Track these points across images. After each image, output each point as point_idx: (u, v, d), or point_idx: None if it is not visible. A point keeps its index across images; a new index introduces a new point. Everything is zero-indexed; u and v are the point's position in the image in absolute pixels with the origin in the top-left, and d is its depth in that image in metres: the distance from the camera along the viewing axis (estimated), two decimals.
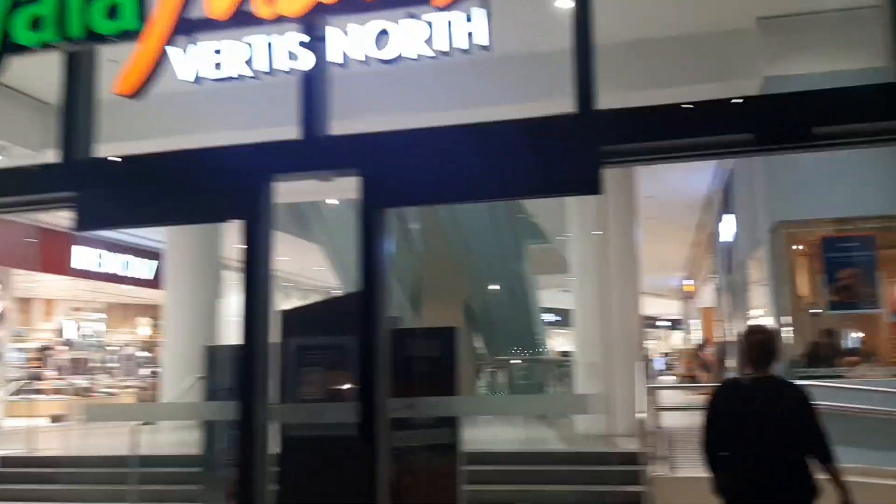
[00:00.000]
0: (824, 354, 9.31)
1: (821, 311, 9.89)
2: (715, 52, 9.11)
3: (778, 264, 9.51)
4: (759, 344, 3.88)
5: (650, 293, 42.18)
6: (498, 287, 20.93)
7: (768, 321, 9.68)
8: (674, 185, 16.09)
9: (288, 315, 5.08)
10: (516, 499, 7.70)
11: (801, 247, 10.27)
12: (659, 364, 34.35)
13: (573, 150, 3.93)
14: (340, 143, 4.18)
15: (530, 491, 8.08)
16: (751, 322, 5.55)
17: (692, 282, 29.32)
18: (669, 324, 47.13)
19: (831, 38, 8.57)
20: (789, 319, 9.61)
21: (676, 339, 43.48)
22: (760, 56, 8.93)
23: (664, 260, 28.48)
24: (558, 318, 31.69)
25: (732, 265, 14.14)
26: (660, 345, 46.11)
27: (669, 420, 11.51)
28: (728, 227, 14.28)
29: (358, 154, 4.11)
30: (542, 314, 24.25)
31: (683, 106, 3.76)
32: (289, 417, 4.85)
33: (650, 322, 49.11)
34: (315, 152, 4.19)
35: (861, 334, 11.26)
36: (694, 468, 8.17)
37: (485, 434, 11.34)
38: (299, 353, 4.96)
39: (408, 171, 4.03)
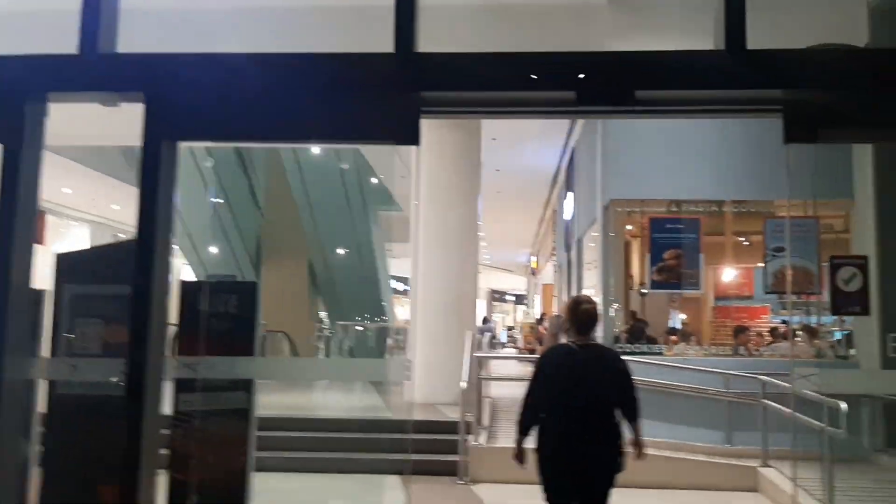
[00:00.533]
0: (636, 333, 9.58)
1: (647, 290, 10.20)
2: (563, 25, 9.03)
3: (609, 242, 9.68)
4: (586, 313, 4.21)
5: (500, 268, 43.17)
6: (343, 251, 20.49)
7: (598, 298, 9.84)
8: (524, 161, 16.23)
9: (64, 259, 4.46)
10: (316, 467, 7.43)
11: (631, 227, 10.53)
12: (503, 337, 35.26)
13: (389, 95, 3.59)
14: (123, 62, 3.63)
15: (322, 459, 7.85)
16: (577, 294, 5.73)
17: (537, 258, 30.10)
18: (515, 298, 48.50)
19: (680, 18, 8.66)
20: (617, 297, 9.87)
21: (521, 314, 44.79)
22: (609, 33, 8.93)
23: (514, 236, 29.03)
24: (407, 287, 31.68)
25: (571, 243, 14.41)
26: (506, 318, 47.34)
27: (498, 391, 11.63)
28: (569, 205, 14.53)
29: (142, 76, 3.58)
30: (390, 282, 24.05)
31: (506, 53, 3.50)
32: (57, 374, 4.27)
33: (499, 296, 50.39)
34: (93, 69, 3.62)
35: (684, 315, 11.74)
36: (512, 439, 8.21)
37: (310, 400, 11.00)
38: (75, 302, 4.36)
39: (200, 100, 3.55)
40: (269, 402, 11.18)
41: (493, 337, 29.83)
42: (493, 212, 22.99)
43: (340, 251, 20.44)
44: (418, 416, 9.46)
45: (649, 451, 4.14)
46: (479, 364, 8.13)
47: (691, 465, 7.81)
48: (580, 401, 4.08)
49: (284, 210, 19.52)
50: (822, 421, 5.99)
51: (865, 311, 4.84)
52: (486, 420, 9.10)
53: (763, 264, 9.15)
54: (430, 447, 8.22)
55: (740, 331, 9.72)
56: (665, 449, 8.33)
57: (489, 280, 46.60)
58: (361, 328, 20.57)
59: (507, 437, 8.69)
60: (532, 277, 34.56)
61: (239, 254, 20.32)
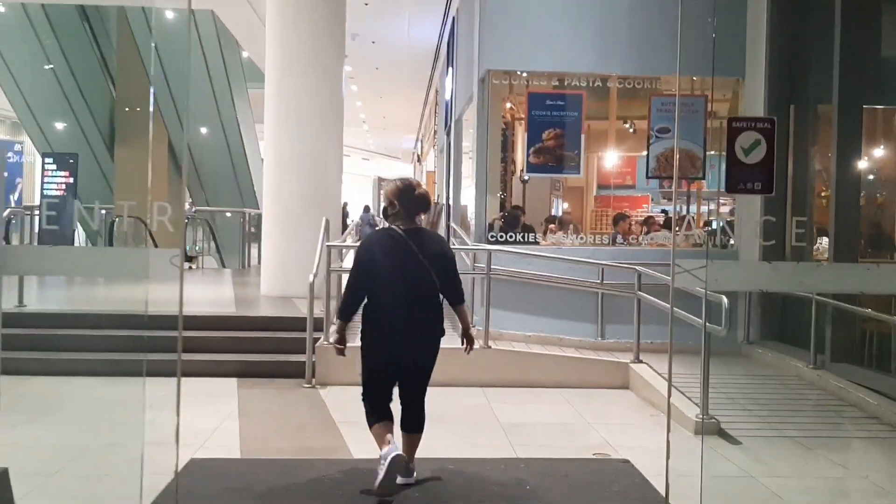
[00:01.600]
0: (512, 222, 8.81)
1: (528, 177, 9.40)
2: None
3: (487, 120, 8.72)
4: (421, 197, 4.17)
5: (386, 154, 41.89)
6: (206, 130, 18.78)
7: (472, 183, 8.99)
8: (403, 33, 14.86)
9: None
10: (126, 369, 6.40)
11: (511, 106, 9.60)
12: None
13: None
14: None
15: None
16: (405, 176, 5.19)
17: (422, 144, 28.98)
18: None
19: None
20: (494, 183, 9.01)
21: None
22: None
23: (399, 121, 27.69)
24: None
25: (450, 125, 13.40)
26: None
27: None
28: (448, 83, 13.43)
29: None
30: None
31: None
32: None
33: (384, 183, 49.24)
34: None
35: (566, 205, 11.06)
36: None
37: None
38: None
39: None
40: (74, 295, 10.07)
41: (373, 226, 29.00)
42: (374, 92, 21.59)
43: (203, 130, 18.73)
44: (267, 311, 8.50)
45: (515, 347, 4.46)
46: (330, 254, 7.16)
47: (561, 361, 7.23)
48: (404, 284, 4.07)
49: (139, 84, 17.55)
50: (699, 315, 5.40)
51: (769, 188, 4.12)
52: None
53: (646, 152, 8.44)
54: (276, 346, 7.32)
55: (620, 218, 9.10)
56: (535, 343, 7.75)
57: (377, 168, 45.37)
58: (229, 215, 19.05)
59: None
60: (418, 165, 33.54)
61: (89, 131, 18.31)
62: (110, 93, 18.61)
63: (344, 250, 8.43)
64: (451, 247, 5.32)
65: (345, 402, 6.17)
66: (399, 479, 4.14)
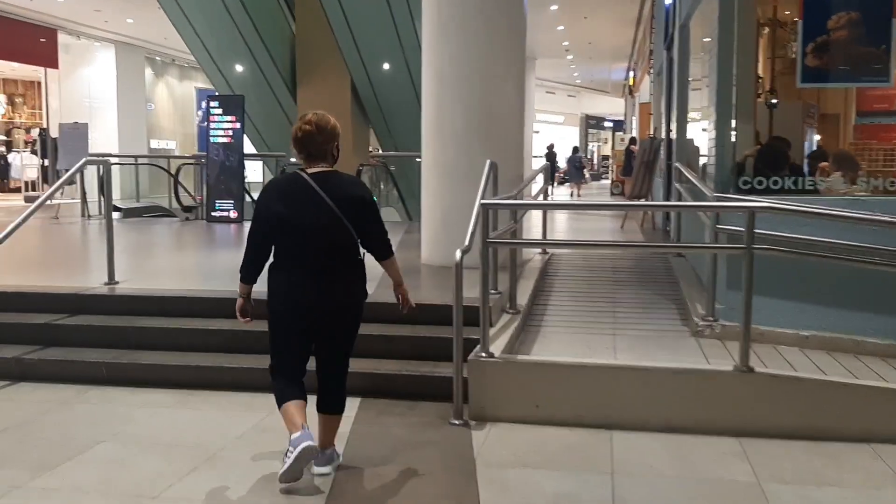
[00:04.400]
0: (776, 160, 5.90)
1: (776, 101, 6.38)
2: None
3: (731, 11, 5.80)
4: (302, 142, 3.53)
5: (591, 88, 38.35)
6: (388, 66, 16.83)
7: (709, 111, 6.18)
8: None
9: None
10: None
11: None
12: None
13: None
14: None
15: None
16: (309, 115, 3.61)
17: (634, 73, 25.47)
18: (614, 125, 43.71)
19: None
20: (737, 103, 6.06)
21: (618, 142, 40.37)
22: None
23: (607, 46, 24.36)
24: None
25: (671, 35, 10.35)
26: (603, 148, 42.97)
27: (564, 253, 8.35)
28: None
29: None
30: None
31: None
32: None
33: (595, 122, 45.67)
34: None
35: (818, 137, 7.85)
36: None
37: None
38: None
39: None
40: None
41: (580, 168, 26.04)
42: (577, 12, 18.61)
43: (385, 66, 16.80)
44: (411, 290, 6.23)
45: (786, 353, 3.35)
46: (490, 216, 4.73)
47: (875, 394, 4.35)
48: (310, 236, 3.49)
49: (316, 16, 15.91)
50: None
51: None
52: (520, 303, 5.84)
53: None
54: (417, 349, 5.07)
55: None
56: (815, 348, 4.92)
57: (582, 104, 41.95)
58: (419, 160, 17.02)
59: (551, 340, 5.42)
60: (630, 98, 29.94)
61: (269, 73, 17.03)
62: (290, 30, 17.20)
63: (520, 212, 5.98)
64: (684, 202, 4.00)
65: (515, 460, 3.83)
66: (315, 469, 3.61)
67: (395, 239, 9.95)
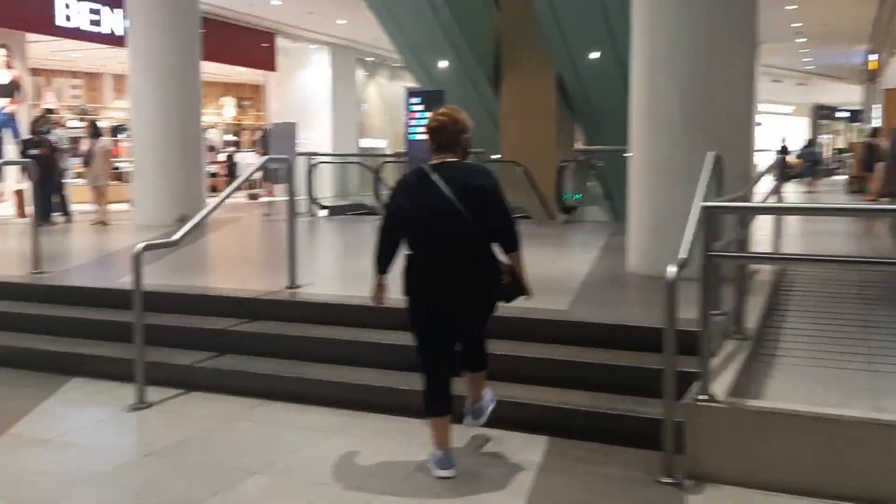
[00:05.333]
0: None
1: None
2: None
3: None
4: (434, 131, 3.59)
5: (824, 75, 34.69)
6: (598, 55, 15.84)
7: None
8: None
9: None
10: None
11: None
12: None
13: None
14: None
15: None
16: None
17: (878, 56, 22.47)
18: (849, 115, 39.35)
19: None
20: None
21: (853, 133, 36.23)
22: None
23: (844, 27, 21.67)
24: None
25: None
26: (836, 140, 38.88)
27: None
28: None
29: None
30: None
31: None
32: None
33: (827, 112, 41.43)
34: None
35: None
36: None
37: None
38: None
39: None
40: None
41: (816, 163, 23.42)
42: None
43: (594, 55, 15.83)
44: (612, 306, 5.31)
45: None
46: (711, 221, 3.79)
47: None
48: (432, 228, 3.49)
49: (520, 7, 15.29)
50: None
51: None
52: (748, 325, 4.80)
53: None
54: (618, 379, 4.24)
55: None
56: None
57: (812, 93, 38.15)
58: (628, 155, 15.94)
59: (789, 377, 4.36)
60: (870, 85, 26.63)
61: (470, 68, 16.67)
62: (494, 24, 16.73)
63: (749, 216, 4.93)
64: None
65: None
66: (470, 421, 3.86)
67: (598, 241, 9.18)
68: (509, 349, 4.46)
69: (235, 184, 5.82)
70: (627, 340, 4.48)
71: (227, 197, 5.58)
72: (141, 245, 4.55)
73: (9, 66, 14.86)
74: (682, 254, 3.66)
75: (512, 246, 3.57)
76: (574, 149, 15.49)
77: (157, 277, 6.46)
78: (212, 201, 5.66)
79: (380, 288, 3.73)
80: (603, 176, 15.31)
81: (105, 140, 11.72)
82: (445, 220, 3.45)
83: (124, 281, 5.95)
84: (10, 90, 14.89)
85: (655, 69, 6.19)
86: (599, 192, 15.68)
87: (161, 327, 5.28)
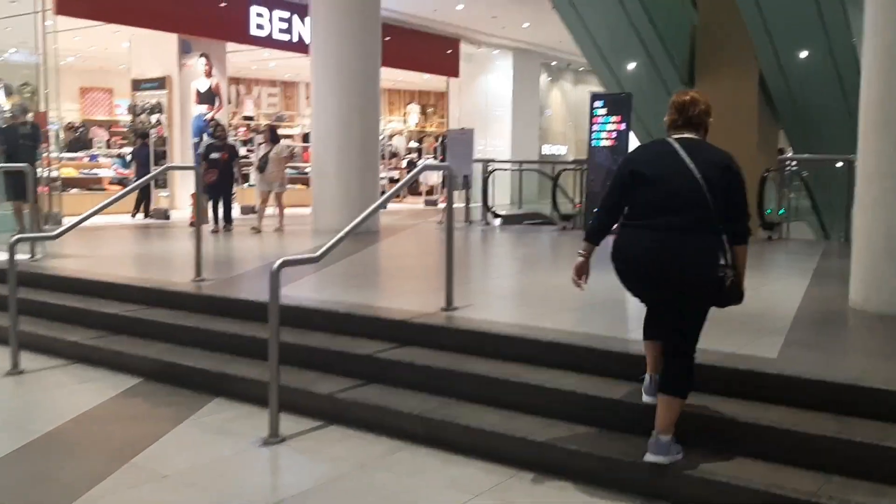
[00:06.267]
0: None
1: None
2: None
3: None
4: (683, 106, 3.48)
5: None
6: (808, 53, 14.13)
7: None
8: None
9: None
10: None
11: None
12: None
13: None
14: None
15: None
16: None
17: None
18: None
19: None
20: None
21: None
22: None
23: None
24: None
25: None
26: None
27: None
28: None
29: None
30: None
31: None
32: None
33: None
34: None
35: None
36: None
37: None
38: None
39: None
40: None
41: None
42: None
43: (804, 54, 14.16)
44: (826, 362, 4.21)
45: None
46: None
47: None
48: (664, 201, 3.30)
49: (724, 6, 13.97)
50: None
51: None
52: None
53: None
54: (843, 460, 3.24)
55: None
56: None
57: None
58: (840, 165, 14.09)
59: None
60: None
61: (664, 68, 15.50)
62: (691, 21, 15.45)
63: None
64: None
65: None
66: (647, 457, 3.32)
67: (809, 265, 7.87)
68: (700, 402, 3.59)
69: (381, 200, 5.25)
70: (862, 405, 3.46)
71: (373, 212, 5.02)
72: (278, 262, 4.11)
73: (209, 75, 15.62)
74: None
75: (743, 237, 3.36)
76: (780, 157, 13.89)
77: (313, 289, 6.13)
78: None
79: (585, 263, 3.53)
80: (810, 188, 13.66)
81: (282, 145, 11.76)
82: (682, 191, 3.27)
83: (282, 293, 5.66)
84: (210, 97, 15.65)
85: (895, 63, 5.01)
86: (806, 206, 14.01)
87: (306, 348, 4.87)
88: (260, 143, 12.19)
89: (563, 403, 3.94)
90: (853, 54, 13.84)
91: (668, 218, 3.27)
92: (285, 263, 4.16)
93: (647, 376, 3.68)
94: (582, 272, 3.53)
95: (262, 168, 11.26)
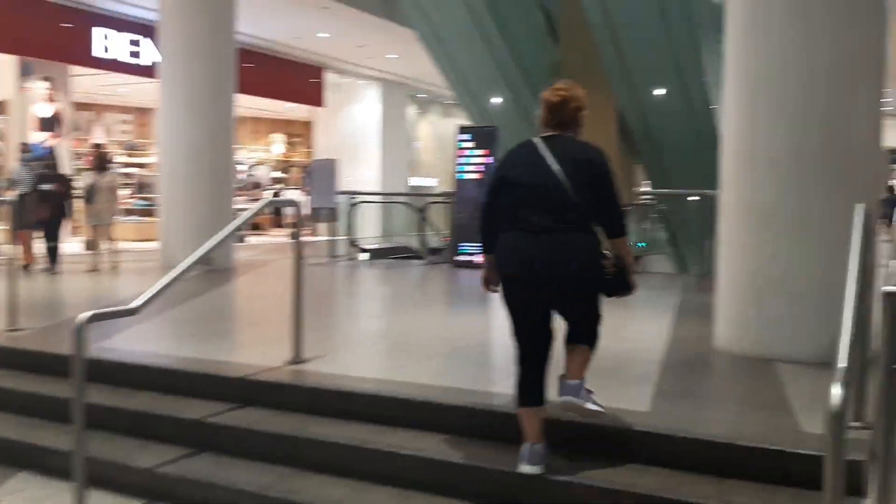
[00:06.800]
0: None
1: None
2: None
3: None
4: (555, 107, 3.43)
5: None
6: (664, 92, 14.58)
7: None
8: None
9: None
10: None
11: None
12: None
13: None
14: None
15: None
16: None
17: None
18: None
19: None
20: None
21: None
22: None
23: None
24: None
25: None
26: None
27: None
28: None
29: None
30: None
31: None
32: None
33: None
34: None
35: None
36: None
37: None
38: None
39: None
40: None
41: None
42: None
43: (659, 92, 14.59)
44: (732, 410, 3.97)
45: None
46: (892, 312, 2.53)
47: None
48: (531, 198, 3.31)
49: (580, 41, 14.22)
50: None
51: None
52: None
53: None
54: None
55: None
56: None
57: None
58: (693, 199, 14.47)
59: None
60: None
61: (525, 103, 15.59)
62: (552, 59, 15.65)
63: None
64: None
65: None
66: (563, 399, 3.34)
67: (670, 300, 7.85)
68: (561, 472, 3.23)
69: (218, 236, 4.57)
70: (742, 466, 3.20)
71: (210, 250, 4.38)
72: (85, 315, 3.46)
73: (51, 100, 14.37)
74: (842, 361, 2.40)
75: (617, 231, 3.38)
76: (638, 191, 14.20)
77: (142, 340, 5.42)
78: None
79: (490, 272, 3.50)
80: (667, 221, 14.00)
81: (111, 174, 10.70)
82: (546, 189, 3.26)
83: (102, 345, 4.93)
84: (52, 124, 14.38)
85: (755, 96, 4.94)
86: (663, 239, 14.35)
87: (127, 412, 4.21)
88: (84, 171, 11.00)
89: (421, 471, 3.49)
90: (706, 93, 14.41)
91: (540, 218, 3.27)
92: (95, 317, 3.51)
93: (526, 444, 3.30)
94: (490, 282, 3.54)
95: (89, 199, 10.21)
